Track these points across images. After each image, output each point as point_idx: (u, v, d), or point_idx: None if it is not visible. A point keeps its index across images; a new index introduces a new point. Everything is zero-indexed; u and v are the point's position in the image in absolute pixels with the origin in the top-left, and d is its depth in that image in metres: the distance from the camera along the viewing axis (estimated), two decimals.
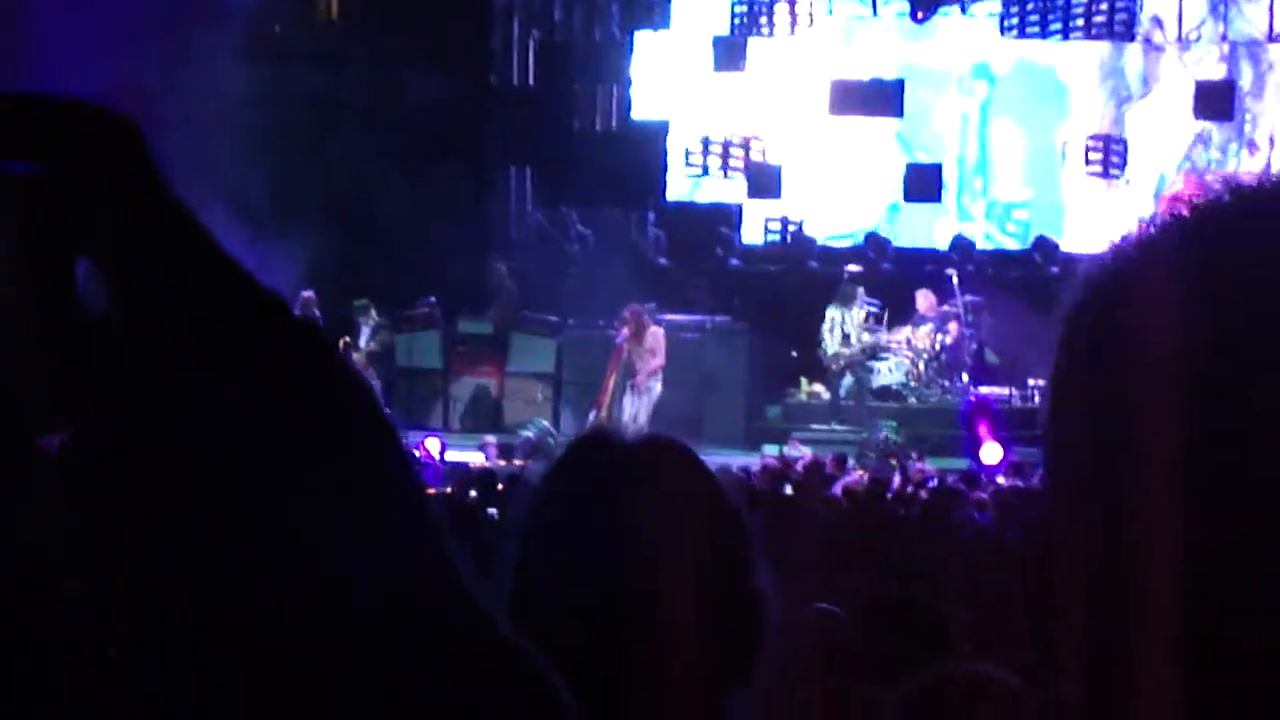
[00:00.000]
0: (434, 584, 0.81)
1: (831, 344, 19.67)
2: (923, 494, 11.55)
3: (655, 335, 18.62)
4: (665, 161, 22.73)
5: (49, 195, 0.78)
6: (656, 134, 22.66)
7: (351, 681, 0.78)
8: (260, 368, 0.79)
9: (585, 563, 1.76)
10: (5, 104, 0.77)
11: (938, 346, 19.97)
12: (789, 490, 11.22)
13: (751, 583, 1.81)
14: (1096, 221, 22.03)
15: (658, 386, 18.60)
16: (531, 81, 22.66)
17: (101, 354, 0.77)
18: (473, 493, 10.65)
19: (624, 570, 1.74)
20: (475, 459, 16.36)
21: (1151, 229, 0.87)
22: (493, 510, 8.81)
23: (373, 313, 19.66)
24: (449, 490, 10.99)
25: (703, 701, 1.74)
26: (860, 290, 20.07)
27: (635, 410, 18.29)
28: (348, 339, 19.46)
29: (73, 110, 0.79)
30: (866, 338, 19.82)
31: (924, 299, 20.17)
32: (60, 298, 0.77)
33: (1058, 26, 22.56)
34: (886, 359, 20.05)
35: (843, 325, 19.70)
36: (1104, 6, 22.07)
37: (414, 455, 0.87)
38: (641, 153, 22.34)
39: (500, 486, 10.79)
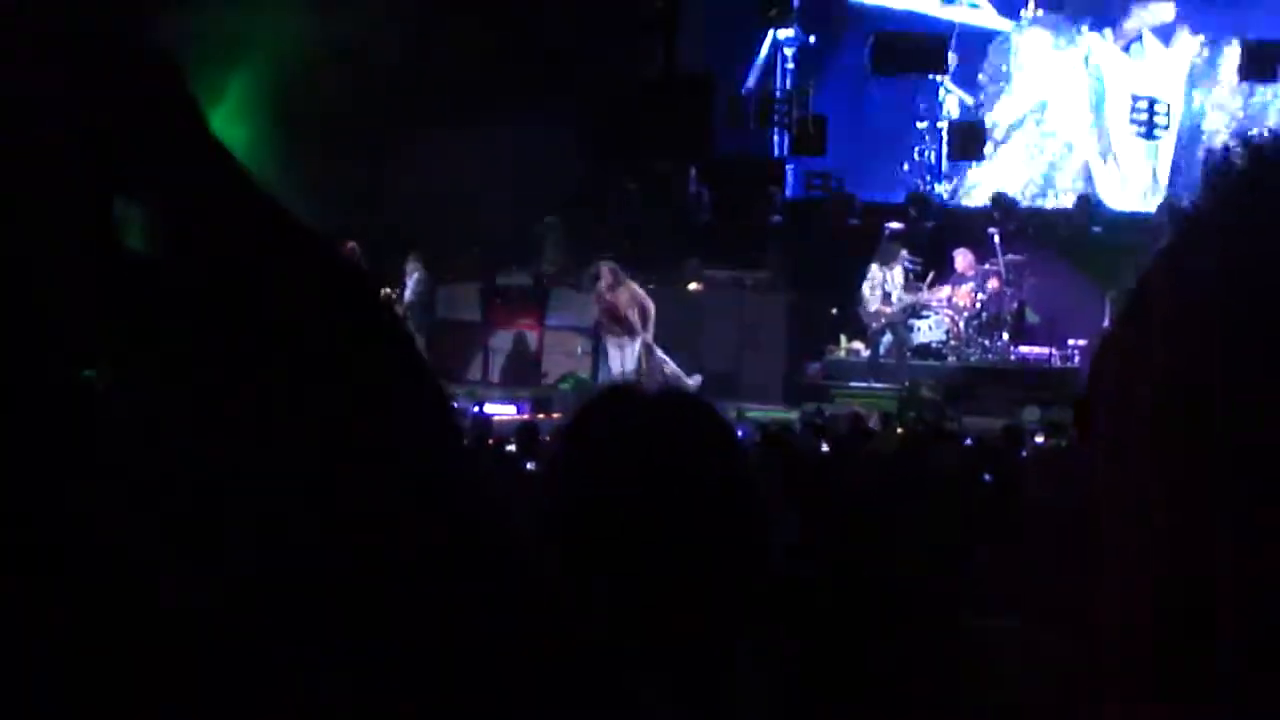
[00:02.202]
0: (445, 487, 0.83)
1: (873, 301, 19.65)
2: (960, 451, 11.52)
3: (633, 290, 18.51)
4: (712, 114, 22.65)
5: (91, 133, 0.78)
6: (703, 86, 22.55)
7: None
8: (297, 305, 0.80)
9: (605, 511, 1.80)
10: (52, 41, 0.77)
11: (978, 305, 19.93)
12: (825, 447, 11.22)
13: (764, 528, 1.85)
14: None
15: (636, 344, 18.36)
16: (576, 31, 22.54)
17: (142, 291, 0.78)
18: (510, 446, 10.70)
19: (643, 517, 1.79)
20: (508, 412, 16.46)
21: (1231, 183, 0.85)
22: (531, 465, 8.84)
23: (420, 264, 19.70)
24: (490, 442, 11.04)
25: (715, 646, 1.78)
26: (903, 250, 20.03)
27: (623, 364, 18.17)
28: (389, 291, 19.51)
29: (118, 49, 0.79)
30: (907, 296, 19.79)
31: (962, 258, 20.13)
32: (101, 235, 0.78)
33: None
34: (927, 317, 20.03)
35: (884, 283, 19.68)
36: None
37: (444, 396, 0.86)
38: (688, 105, 22.23)
39: (547, 439, 10.80)
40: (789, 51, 23.40)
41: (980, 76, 23.74)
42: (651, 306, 18.35)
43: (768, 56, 23.49)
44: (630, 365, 18.09)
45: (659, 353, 18.26)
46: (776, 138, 23.24)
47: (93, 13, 0.77)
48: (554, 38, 21.24)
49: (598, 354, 20.39)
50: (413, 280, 19.69)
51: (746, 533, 1.83)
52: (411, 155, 18.42)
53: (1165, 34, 23.37)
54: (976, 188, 23.44)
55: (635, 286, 18.46)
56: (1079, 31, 23.66)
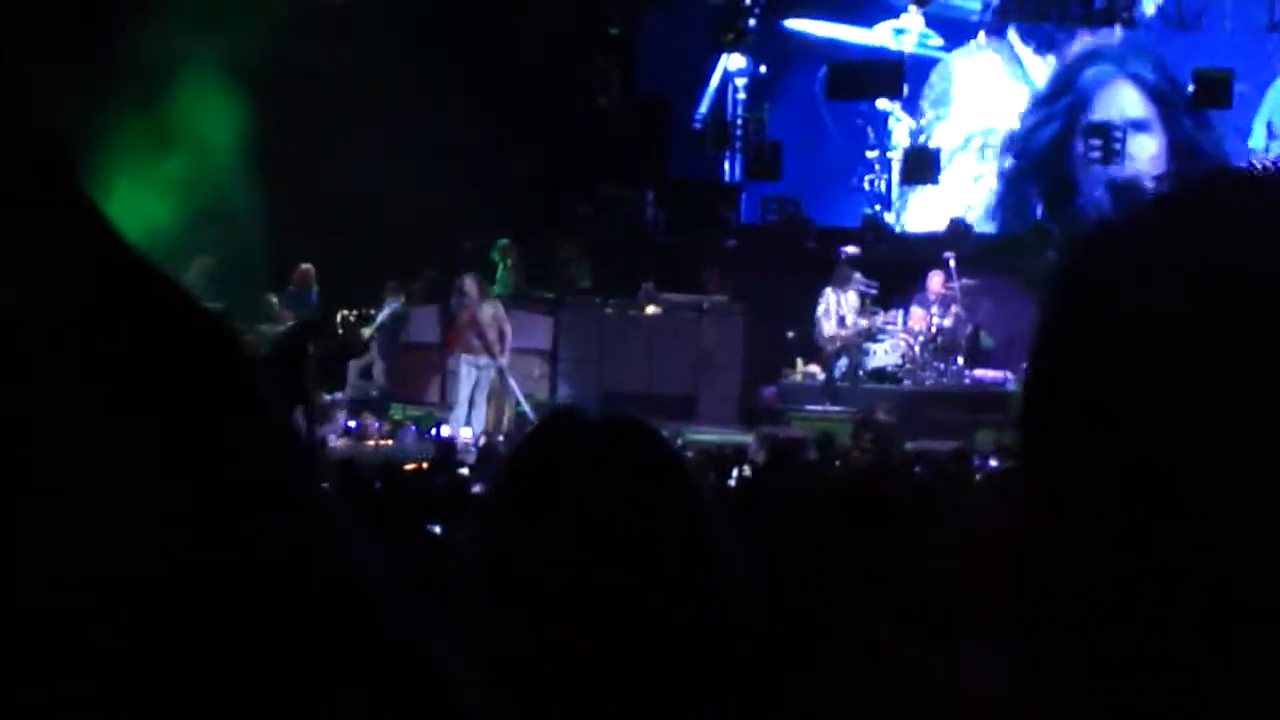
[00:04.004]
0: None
1: (827, 325, 19.71)
2: (912, 476, 11.57)
3: (497, 308, 18.45)
4: (668, 139, 22.70)
5: None
6: (660, 111, 22.58)
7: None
8: (147, 355, 0.80)
9: (552, 534, 1.81)
10: None
11: (934, 329, 20.01)
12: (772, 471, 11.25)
13: (713, 552, 1.85)
14: None
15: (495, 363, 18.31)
16: (536, 57, 22.53)
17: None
18: (463, 470, 10.73)
19: (589, 541, 1.80)
20: (467, 434, 16.49)
21: (1144, 202, 0.89)
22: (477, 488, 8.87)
23: (399, 295, 19.68)
24: (442, 464, 11.06)
25: (666, 668, 1.78)
26: (856, 273, 20.10)
27: (475, 386, 18.03)
28: (347, 312, 19.48)
29: None
30: (862, 321, 19.87)
31: (935, 278, 20.20)
32: None
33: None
34: (882, 341, 20.10)
35: (838, 307, 19.74)
36: None
37: (295, 447, 0.84)
38: (645, 129, 22.26)
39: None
40: (740, 81, 23.54)
41: (923, 102, 23.85)
42: (509, 330, 18.27)
43: (719, 85, 23.63)
44: (483, 388, 17.98)
45: (512, 381, 18.16)
46: (729, 163, 23.35)
47: None
48: (515, 64, 21.27)
49: (555, 376, 20.39)
50: (389, 308, 19.64)
51: (695, 560, 1.82)
52: (368, 175, 18.38)
53: None
54: (921, 213, 23.51)
55: (500, 306, 18.42)
56: (1021, 58, 23.82)
